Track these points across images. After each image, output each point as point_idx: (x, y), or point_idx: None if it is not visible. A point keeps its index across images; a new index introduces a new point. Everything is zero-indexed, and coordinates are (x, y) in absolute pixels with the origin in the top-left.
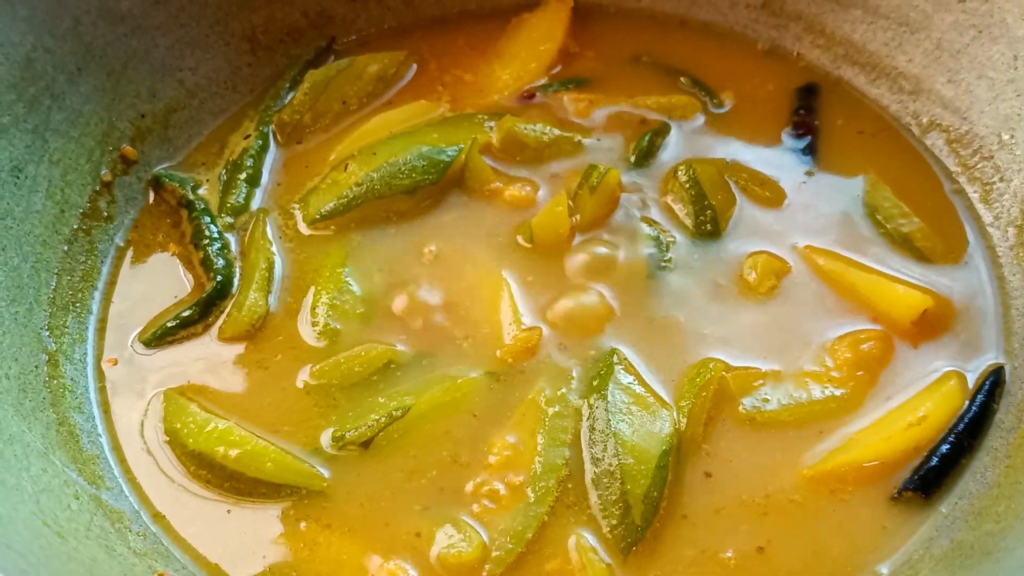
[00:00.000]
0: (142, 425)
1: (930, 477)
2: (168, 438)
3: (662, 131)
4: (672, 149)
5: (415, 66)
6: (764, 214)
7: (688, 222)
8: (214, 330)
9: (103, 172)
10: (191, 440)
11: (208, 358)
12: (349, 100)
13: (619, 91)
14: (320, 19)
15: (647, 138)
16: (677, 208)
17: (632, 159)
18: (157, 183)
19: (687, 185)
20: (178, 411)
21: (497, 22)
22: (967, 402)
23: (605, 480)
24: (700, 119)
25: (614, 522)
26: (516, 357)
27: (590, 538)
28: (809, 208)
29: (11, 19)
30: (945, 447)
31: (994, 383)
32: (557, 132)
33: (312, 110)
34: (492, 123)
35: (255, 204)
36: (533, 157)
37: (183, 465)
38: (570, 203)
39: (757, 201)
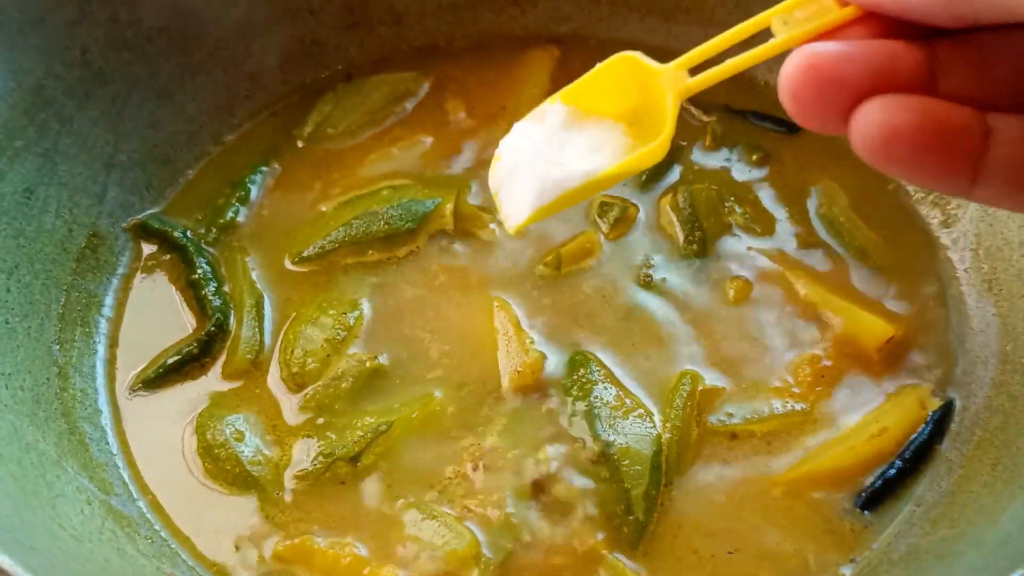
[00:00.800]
0: (149, 433)
1: (874, 497)
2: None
3: (672, 152)
4: (675, 170)
5: (408, 105)
6: (750, 236)
7: (679, 240)
8: (216, 366)
9: (108, 193)
10: (209, 434)
11: (210, 388)
12: (343, 131)
13: None
14: (315, 48)
15: None
16: (671, 226)
17: (643, 177)
18: (144, 230)
19: (684, 206)
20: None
21: (487, 55)
22: (922, 425)
23: (602, 480)
24: (705, 141)
25: (616, 520)
26: (524, 389)
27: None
28: (790, 231)
29: (24, 48)
30: (891, 471)
31: (944, 414)
32: None
33: (310, 137)
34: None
35: (241, 220)
36: None
37: (200, 460)
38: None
39: (746, 224)
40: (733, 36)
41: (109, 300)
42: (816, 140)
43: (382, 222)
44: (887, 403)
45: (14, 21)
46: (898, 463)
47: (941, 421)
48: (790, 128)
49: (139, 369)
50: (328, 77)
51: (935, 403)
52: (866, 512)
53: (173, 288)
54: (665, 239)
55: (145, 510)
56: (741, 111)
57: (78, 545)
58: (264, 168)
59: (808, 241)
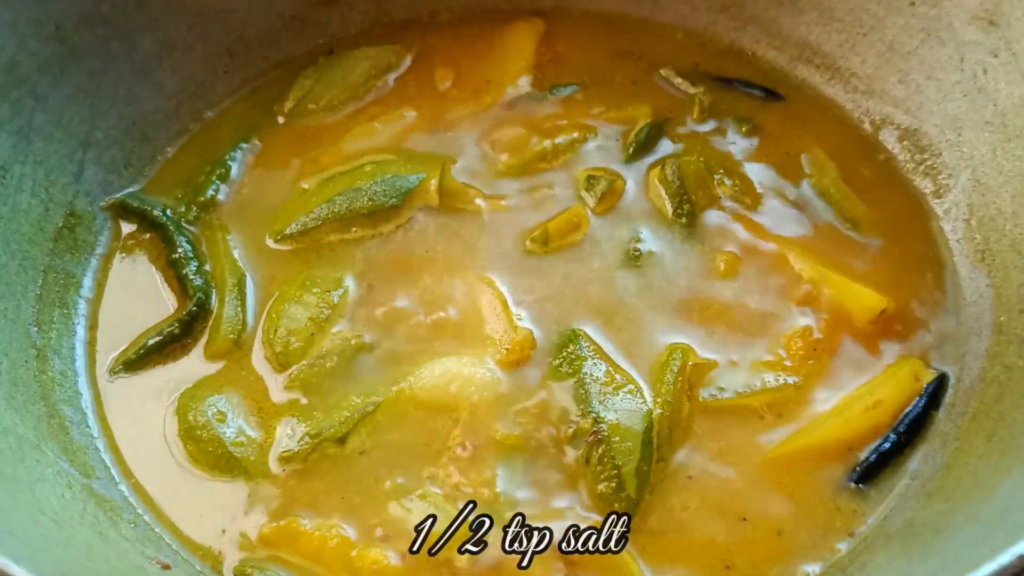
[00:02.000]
0: (130, 416)
1: (869, 471)
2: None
3: (660, 124)
4: (663, 142)
5: (390, 79)
6: (739, 208)
7: (667, 213)
8: (198, 346)
9: (86, 172)
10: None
11: (192, 369)
12: (324, 106)
13: (599, 92)
14: (295, 22)
15: (644, 131)
16: (659, 200)
17: (631, 150)
18: (123, 208)
19: (672, 179)
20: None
21: (470, 29)
22: (917, 398)
23: (594, 457)
24: (692, 114)
25: (609, 496)
26: (513, 366)
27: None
28: (779, 203)
29: None
30: (886, 444)
31: (938, 386)
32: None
33: (291, 113)
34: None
35: (221, 198)
36: (520, 169)
37: (181, 442)
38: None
39: (734, 196)
40: None
41: (88, 280)
42: (805, 111)
43: (365, 198)
44: (881, 376)
45: None
46: (893, 436)
47: (935, 393)
48: (774, 96)
49: (119, 350)
50: (309, 52)
51: (929, 375)
52: (861, 486)
53: (153, 267)
54: (653, 212)
55: (127, 494)
56: (728, 79)
57: (59, 530)
58: (244, 145)
59: (798, 212)
